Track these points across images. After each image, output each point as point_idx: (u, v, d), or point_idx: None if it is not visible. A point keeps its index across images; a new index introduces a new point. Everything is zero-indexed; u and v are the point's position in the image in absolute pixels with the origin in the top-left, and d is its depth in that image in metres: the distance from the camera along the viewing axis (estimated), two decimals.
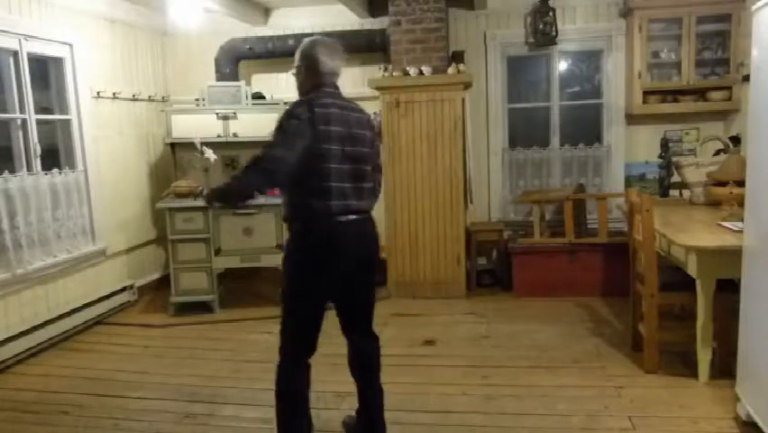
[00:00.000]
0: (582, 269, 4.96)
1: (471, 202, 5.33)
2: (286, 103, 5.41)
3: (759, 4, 2.55)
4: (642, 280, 3.51)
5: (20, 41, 4.19)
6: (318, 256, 2.46)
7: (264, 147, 2.39)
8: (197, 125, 5.17)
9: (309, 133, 2.36)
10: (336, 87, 2.58)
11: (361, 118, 2.58)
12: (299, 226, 2.49)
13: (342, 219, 2.47)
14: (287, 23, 5.76)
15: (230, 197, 2.57)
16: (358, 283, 2.63)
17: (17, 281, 4.08)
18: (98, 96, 4.97)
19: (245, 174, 2.40)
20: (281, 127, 2.39)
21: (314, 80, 2.53)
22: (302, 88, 2.59)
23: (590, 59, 5.65)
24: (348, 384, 2.88)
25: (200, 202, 4.81)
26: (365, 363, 2.74)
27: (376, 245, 2.69)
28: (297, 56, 2.59)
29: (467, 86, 5.14)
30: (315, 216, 2.45)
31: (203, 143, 5.01)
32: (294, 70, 2.61)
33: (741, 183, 3.15)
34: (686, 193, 4.55)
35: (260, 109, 5.20)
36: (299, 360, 2.58)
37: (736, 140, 4.18)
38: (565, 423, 2.94)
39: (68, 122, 4.74)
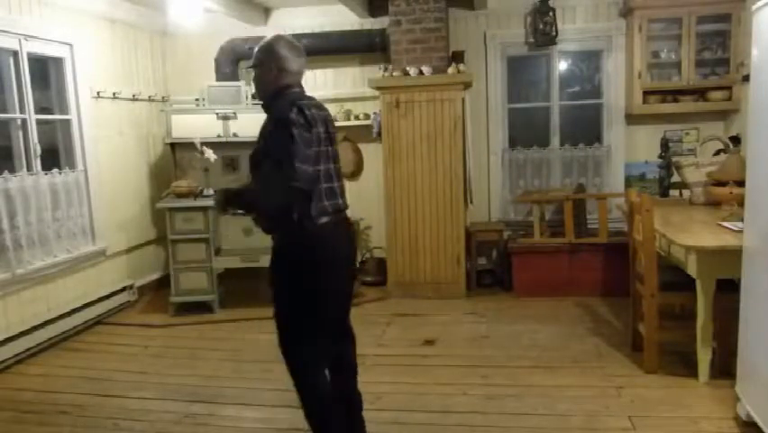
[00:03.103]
0: (582, 269, 4.96)
1: (471, 202, 5.33)
2: None
3: (759, 4, 2.55)
4: (642, 280, 3.51)
5: (20, 41, 4.19)
6: (324, 254, 2.35)
7: (278, 162, 2.19)
8: (197, 125, 5.17)
9: (311, 136, 2.26)
10: (302, 87, 2.48)
11: (330, 117, 2.48)
12: (299, 229, 2.31)
13: (336, 218, 2.41)
14: (287, 22, 5.76)
15: (251, 208, 2.42)
16: (349, 282, 2.60)
17: (17, 281, 4.08)
18: (98, 96, 4.97)
19: (273, 193, 2.22)
20: (293, 137, 2.19)
21: (282, 80, 2.40)
22: (266, 88, 2.44)
23: (590, 59, 5.64)
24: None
25: (200, 202, 4.82)
26: (349, 365, 2.66)
27: (354, 244, 2.71)
28: (261, 53, 2.43)
29: (467, 86, 5.14)
30: (313, 218, 2.31)
31: (203, 143, 5.02)
32: (256, 69, 2.46)
33: (741, 183, 3.15)
34: (686, 193, 4.54)
35: (260, 109, 5.15)
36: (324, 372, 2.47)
37: (736, 140, 4.18)
38: (565, 423, 2.94)
39: (68, 122, 4.74)
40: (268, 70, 2.41)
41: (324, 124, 2.38)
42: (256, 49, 2.46)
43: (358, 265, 2.71)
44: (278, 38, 2.46)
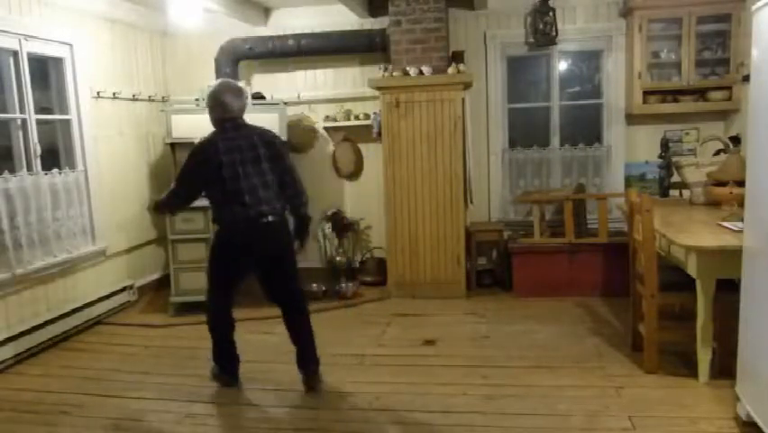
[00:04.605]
0: (582, 269, 4.96)
1: (471, 202, 5.33)
2: (286, 103, 5.44)
3: (759, 4, 2.55)
4: (642, 280, 3.51)
5: (20, 41, 4.19)
6: (227, 246, 3.29)
7: (177, 177, 3.39)
8: (197, 125, 5.13)
9: (205, 168, 3.18)
10: (238, 119, 3.29)
11: (253, 140, 3.25)
12: (219, 225, 3.33)
13: (244, 222, 3.19)
14: (287, 22, 5.76)
15: (163, 208, 3.65)
16: (267, 268, 3.36)
17: (17, 281, 4.08)
18: (98, 96, 4.97)
19: (167, 197, 3.45)
20: (185, 166, 3.28)
21: (221, 116, 3.26)
22: (212, 120, 3.31)
23: (590, 59, 5.64)
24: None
25: (200, 202, 4.89)
26: (293, 318, 3.45)
27: (278, 241, 3.33)
28: (209, 100, 3.28)
29: (467, 86, 5.14)
30: (225, 220, 3.27)
31: None
32: (207, 108, 3.32)
33: (741, 183, 3.15)
34: (686, 193, 4.54)
35: (260, 109, 5.19)
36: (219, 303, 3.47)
37: (736, 140, 4.18)
38: (565, 423, 2.94)
39: (68, 122, 4.74)
40: (213, 111, 3.29)
41: (239, 151, 3.19)
42: (206, 93, 3.39)
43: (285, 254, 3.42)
44: (221, 87, 3.30)
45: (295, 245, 3.42)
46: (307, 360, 3.42)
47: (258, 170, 3.23)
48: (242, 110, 3.33)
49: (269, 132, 3.41)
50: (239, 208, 3.18)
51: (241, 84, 3.38)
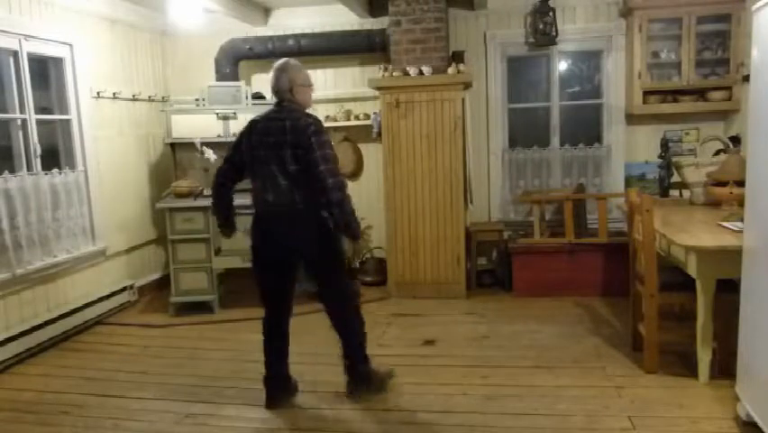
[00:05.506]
0: (582, 269, 4.96)
1: (471, 202, 5.33)
2: None
3: (759, 4, 2.55)
4: (642, 280, 3.51)
5: (20, 41, 4.20)
6: (255, 238, 3.20)
7: None
8: (197, 125, 5.17)
9: (241, 144, 3.14)
10: (280, 100, 3.12)
11: (283, 126, 3.02)
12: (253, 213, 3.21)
13: (265, 211, 3.13)
14: (287, 22, 5.76)
15: (214, 209, 3.41)
16: (296, 259, 3.21)
17: (17, 281, 4.09)
18: (98, 96, 4.97)
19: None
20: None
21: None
22: None
23: (590, 60, 5.64)
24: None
25: (200, 202, 4.89)
26: (328, 312, 3.30)
27: (294, 235, 3.11)
28: None
29: (467, 86, 5.14)
30: (254, 206, 3.18)
31: (203, 143, 5.03)
32: None
33: (741, 183, 3.15)
34: (686, 193, 4.55)
35: (260, 109, 5.18)
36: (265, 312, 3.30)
37: (735, 140, 4.18)
38: (565, 423, 2.94)
39: (68, 122, 4.74)
40: None
41: (268, 135, 3.04)
42: None
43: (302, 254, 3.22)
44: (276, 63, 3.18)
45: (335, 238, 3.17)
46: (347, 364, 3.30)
47: (280, 158, 3.01)
48: (282, 89, 3.09)
49: (306, 119, 3.05)
50: (259, 195, 3.12)
51: (290, 62, 3.18)
